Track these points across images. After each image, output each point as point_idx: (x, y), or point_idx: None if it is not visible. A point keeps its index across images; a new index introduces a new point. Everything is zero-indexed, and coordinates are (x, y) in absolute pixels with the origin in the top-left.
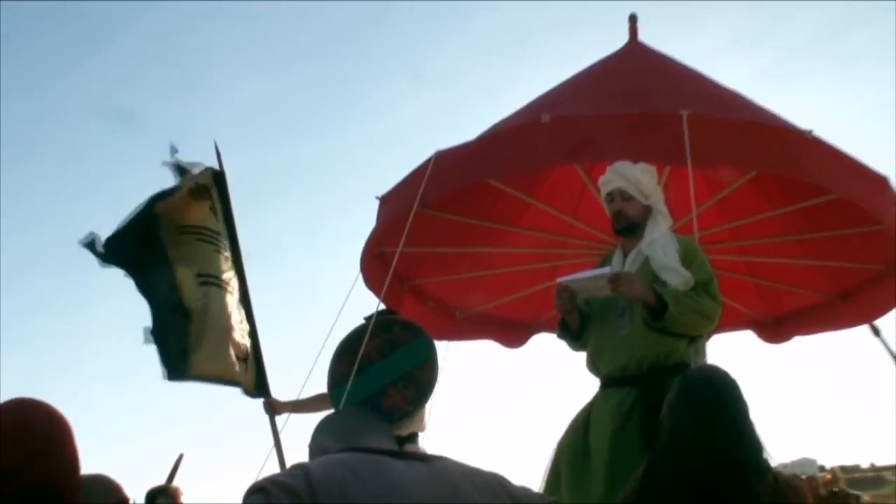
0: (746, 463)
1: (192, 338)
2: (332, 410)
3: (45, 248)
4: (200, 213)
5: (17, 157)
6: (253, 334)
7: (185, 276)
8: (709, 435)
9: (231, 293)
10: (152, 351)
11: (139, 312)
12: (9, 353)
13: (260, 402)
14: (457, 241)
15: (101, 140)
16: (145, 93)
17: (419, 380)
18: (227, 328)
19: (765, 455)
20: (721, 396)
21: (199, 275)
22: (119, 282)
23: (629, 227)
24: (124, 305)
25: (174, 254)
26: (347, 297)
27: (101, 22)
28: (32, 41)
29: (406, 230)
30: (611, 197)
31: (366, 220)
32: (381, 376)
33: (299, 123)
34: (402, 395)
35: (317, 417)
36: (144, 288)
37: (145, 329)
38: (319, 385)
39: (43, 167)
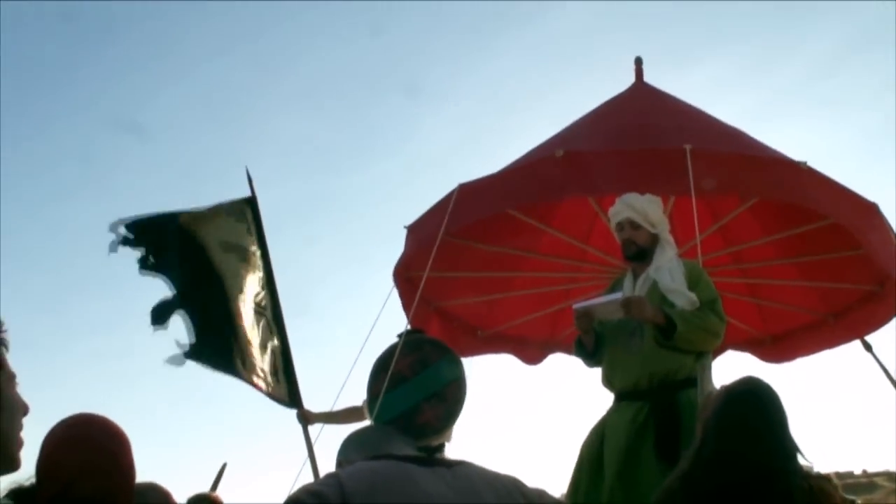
0: (788, 472)
1: (235, 349)
2: (362, 422)
3: (103, 270)
4: (240, 231)
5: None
6: (285, 350)
7: (243, 301)
8: (754, 443)
9: (265, 316)
10: (200, 369)
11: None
12: (70, 370)
13: (294, 412)
14: (478, 267)
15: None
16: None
17: (448, 397)
18: (258, 347)
19: (800, 460)
20: (766, 406)
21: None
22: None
23: (638, 253)
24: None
25: (225, 269)
26: (377, 319)
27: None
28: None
29: (432, 257)
30: (620, 227)
31: (394, 247)
32: (414, 393)
33: (327, 158)
34: (434, 412)
35: (347, 427)
36: (175, 274)
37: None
38: (351, 398)
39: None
